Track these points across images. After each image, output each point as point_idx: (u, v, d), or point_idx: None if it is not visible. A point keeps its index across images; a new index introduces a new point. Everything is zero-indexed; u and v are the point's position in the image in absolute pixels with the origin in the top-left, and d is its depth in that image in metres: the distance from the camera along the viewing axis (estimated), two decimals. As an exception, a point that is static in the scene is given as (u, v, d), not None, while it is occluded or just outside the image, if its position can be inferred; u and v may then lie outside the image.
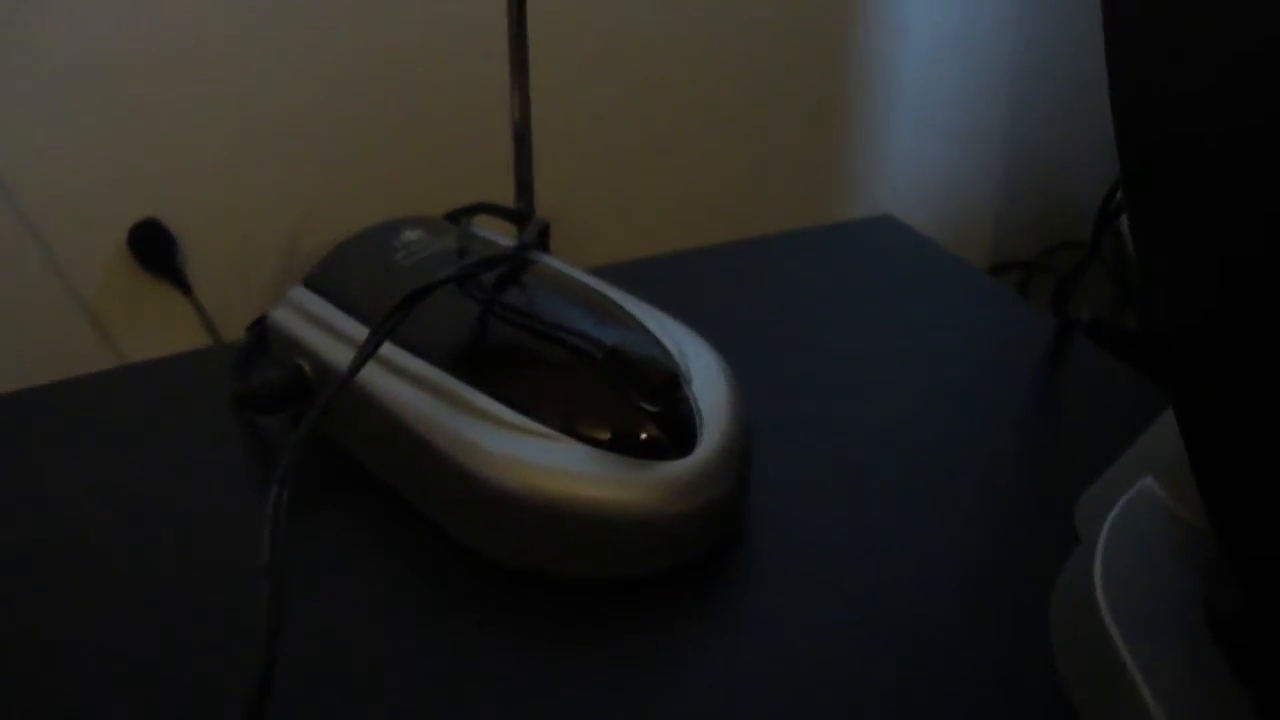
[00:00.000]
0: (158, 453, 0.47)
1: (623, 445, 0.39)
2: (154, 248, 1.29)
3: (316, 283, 0.49)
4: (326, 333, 0.46)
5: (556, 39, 1.20)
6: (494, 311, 0.43)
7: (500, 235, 0.51)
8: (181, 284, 1.31)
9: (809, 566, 0.41)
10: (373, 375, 0.42)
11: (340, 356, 0.44)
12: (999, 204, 1.77)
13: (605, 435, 0.39)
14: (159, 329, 1.34)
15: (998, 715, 0.36)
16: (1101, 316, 0.57)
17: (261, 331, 0.52)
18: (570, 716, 0.35)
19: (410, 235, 0.49)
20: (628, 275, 0.51)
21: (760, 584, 0.40)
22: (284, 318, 0.48)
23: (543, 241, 0.51)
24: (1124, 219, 0.34)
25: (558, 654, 0.37)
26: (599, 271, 0.51)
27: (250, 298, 1.35)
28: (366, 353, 0.39)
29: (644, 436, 0.39)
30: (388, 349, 0.43)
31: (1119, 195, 0.51)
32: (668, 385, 0.39)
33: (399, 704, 0.36)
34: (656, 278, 0.58)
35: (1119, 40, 0.28)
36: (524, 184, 0.53)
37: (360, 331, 0.44)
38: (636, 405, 0.39)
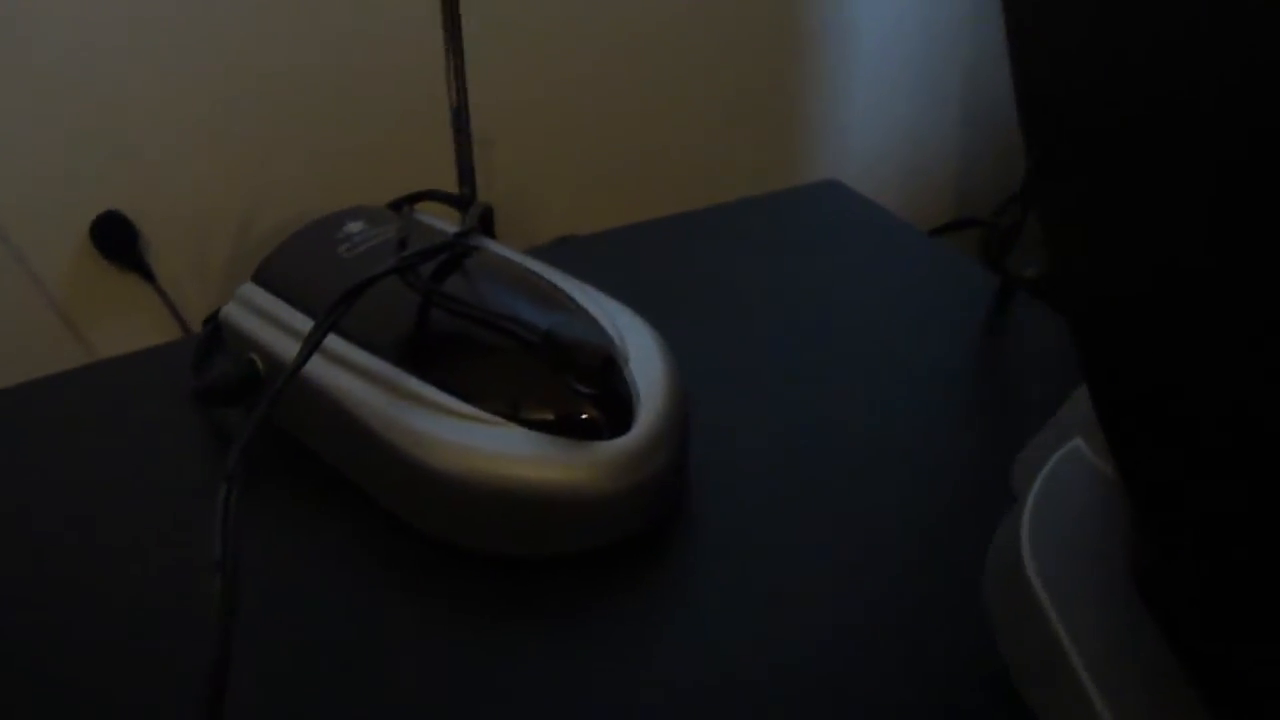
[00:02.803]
0: (123, 448, 0.48)
1: (563, 427, 0.40)
2: (116, 239, 1.30)
3: (265, 278, 0.49)
4: (276, 327, 0.47)
5: (506, 18, 1.21)
6: (434, 301, 0.44)
7: (446, 221, 0.52)
8: (145, 273, 1.31)
9: (749, 537, 0.42)
10: (319, 369, 0.43)
11: (289, 350, 0.45)
12: (959, 160, 1.77)
13: (545, 418, 0.40)
14: (125, 318, 1.34)
15: (938, 674, 0.37)
16: (1044, 271, 0.58)
17: (217, 326, 0.53)
18: (523, 688, 0.37)
19: (353, 227, 0.50)
20: (570, 254, 0.52)
21: (701, 556, 0.42)
22: (235, 313, 0.49)
23: (486, 226, 0.52)
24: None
25: (508, 630, 0.39)
26: (541, 252, 0.52)
27: (213, 283, 1.36)
28: (307, 351, 0.40)
29: (583, 418, 0.40)
30: (333, 342, 0.44)
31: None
32: (603, 367, 0.40)
33: (358, 684, 0.37)
34: (599, 255, 0.59)
35: (1018, 40, 0.29)
36: (465, 169, 0.54)
37: (306, 324, 0.45)
38: (574, 388, 0.40)
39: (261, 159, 1.34)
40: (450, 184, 1.37)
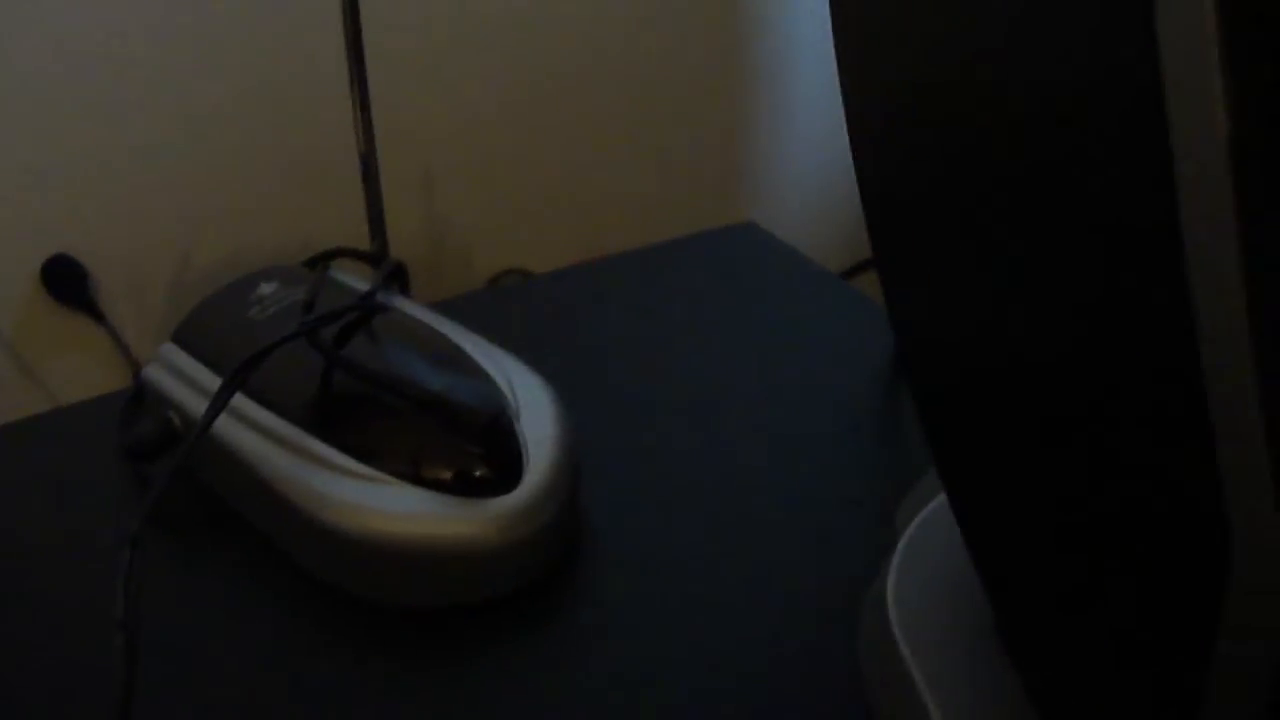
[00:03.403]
0: (52, 501, 0.49)
1: (456, 486, 0.42)
2: (67, 281, 1.31)
3: (183, 338, 0.51)
4: (191, 388, 0.49)
5: (442, 50, 1.23)
6: (335, 364, 0.46)
7: (361, 279, 0.54)
8: (95, 314, 1.33)
9: (637, 585, 0.44)
10: (229, 429, 0.45)
11: (201, 410, 0.47)
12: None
13: (441, 477, 0.43)
14: (76, 358, 1.36)
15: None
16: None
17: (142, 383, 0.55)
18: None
19: (266, 289, 0.52)
20: (478, 306, 0.54)
21: (590, 603, 0.44)
22: (154, 373, 0.51)
23: (401, 283, 0.54)
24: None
25: (408, 678, 0.41)
26: (449, 307, 0.54)
27: (162, 323, 1.37)
28: (211, 415, 0.42)
29: (475, 475, 0.43)
30: (242, 403, 0.46)
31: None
32: (489, 425, 0.43)
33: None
34: (505, 307, 0.61)
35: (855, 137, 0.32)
36: (375, 222, 0.56)
37: (218, 386, 0.47)
38: (464, 447, 0.43)
39: (210, 201, 1.36)
40: (403, 224, 1.39)
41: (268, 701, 0.40)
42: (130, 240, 1.34)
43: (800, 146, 1.73)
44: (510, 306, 0.62)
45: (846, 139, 0.32)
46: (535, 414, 0.46)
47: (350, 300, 0.49)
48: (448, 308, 0.54)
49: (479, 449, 0.43)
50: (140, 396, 0.55)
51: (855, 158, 0.32)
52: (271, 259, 1.32)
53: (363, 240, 1.41)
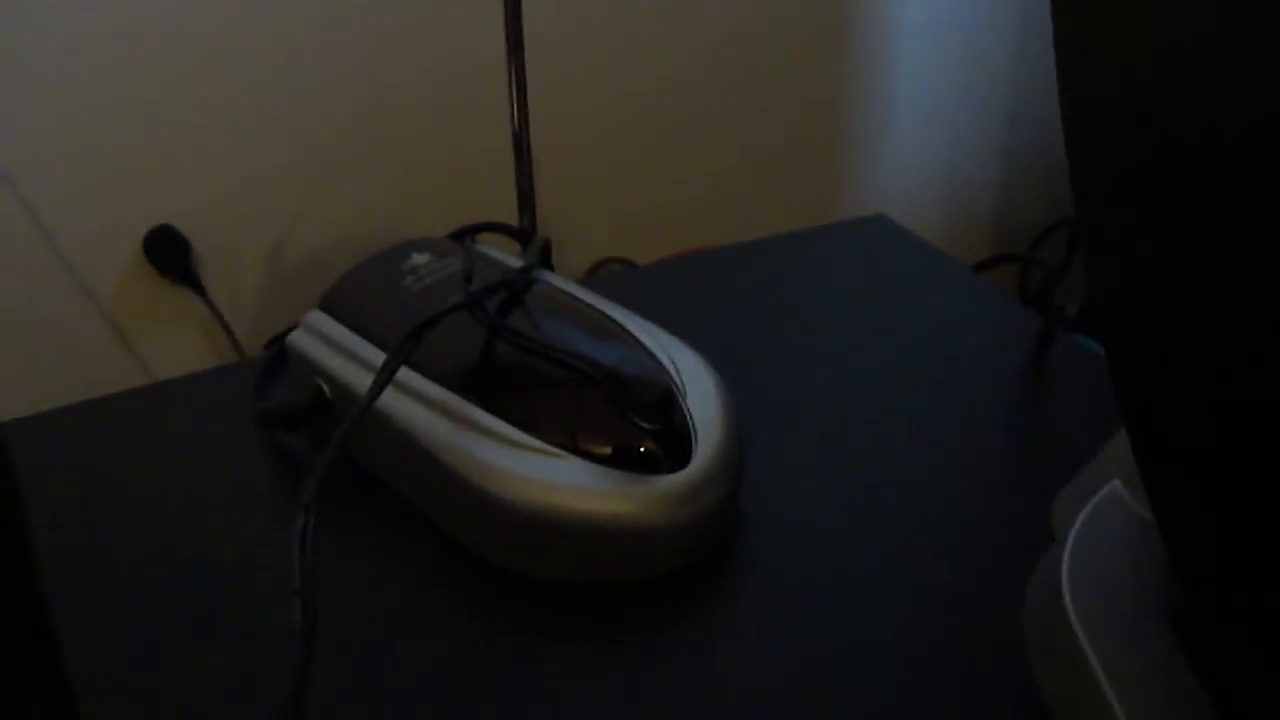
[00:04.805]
0: (187, 470, 0.50)
1: (622, 460, 0.42)
2: (169, 253, 1.32)
3: (332, 306, 0.51)
4: (343, 355, 0.48)
5: (549, 45, 1.23)
6: (499, 335, 0.45)
7: (504, 252, 0.54)
8: (196, 286, 1.34)
9: (799, 569, 0.44)
10: (387, 398, 0.45)
11: (357, 378, 0.47)
12: (998, 192, 1.79)
13: (605, 451, 0.42)
14: (175, 330, 1.37)
15: (977, 702, 0.39)
16: (1085, 306, 0.59)
17: (280, 351, 0.55)
18: (578, 714, 0.38)
19: (418, 259, 0.52)
20: (622, 286, 0.54)
21: (752, 587, 0.43)
22: (302, 340, 0.51)
23: (545, 259, 0.54)
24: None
25: (563, 654, 0.40)
26: (595, 283, 0.54)
27: (261, 297, 1.38)
28: (382, 381, 0.42)
29: (641, 451, 0.42)
30: (401, 372, 0.45)
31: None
32: (662, 403, 0.42)
33: (425, 706, 0.39)
34: (651, 288, 0.60)
35: (1070, 74, 0.31)
36: (525, 196, 0.55)
37: (374, 354, 0.47)
38: (634, 422, 0.42)
39: (313, 175, 1.37)
40: (495, 206, 1.39)
41: (419, 668, 0.40)
42: (233, 215, 1.35)
43: (919, 142, 1.72)
44: (641, 289, 0.62)
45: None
46: (701, 393, 0.45)
47: (510, 273, 0.49)
48: (596, 285, 0.54)
49: (652, 425, 0.42)
50: (275, 364, 0.56)
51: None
52: (370, 238, 1.34)
53: (459, 218, 1.42)
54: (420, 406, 0.45)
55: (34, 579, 0.24)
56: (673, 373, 0.46)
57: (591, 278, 0.55)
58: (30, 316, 1.30)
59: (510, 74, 0.52)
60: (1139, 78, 0.28)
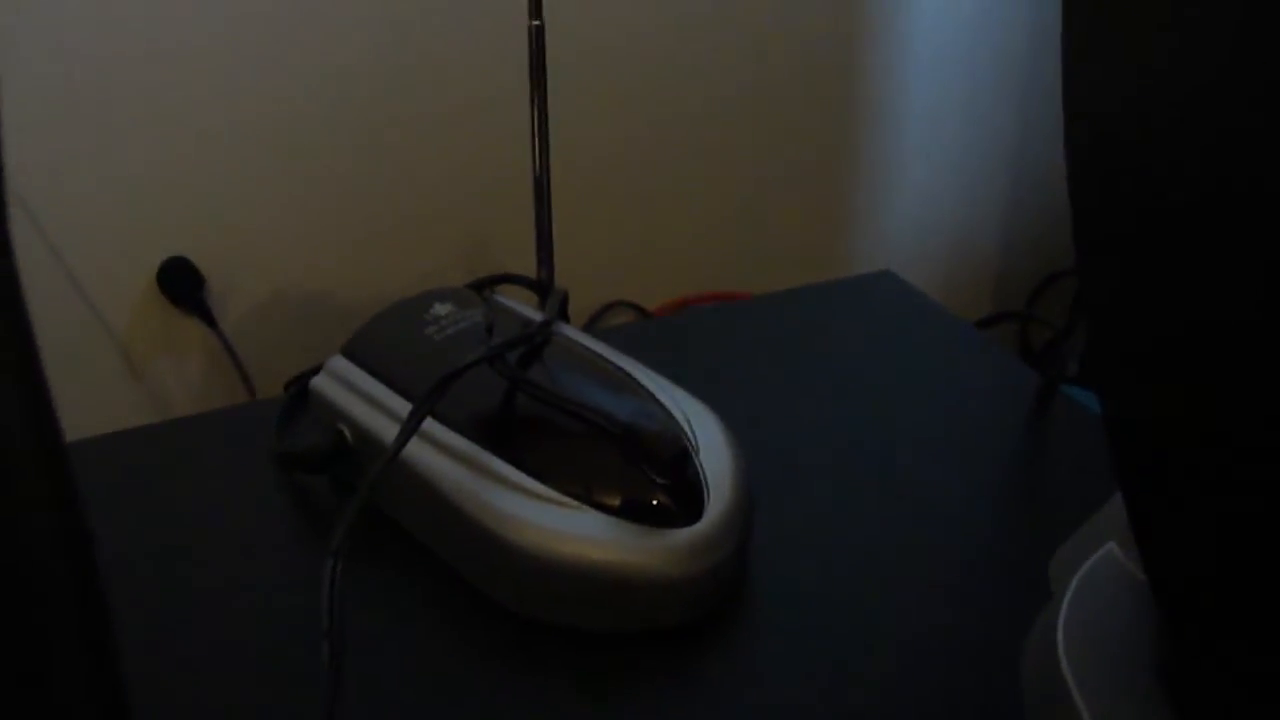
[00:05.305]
0: (204, 509, 0.51)
1: (636, 513, 0.43)
2: (182, 284, 1.34)
3: (354, 352, 0.53)
4: (366, 402, 0.50)
5: (561, 90, 1.25)
6: (519, 388, 0.47)
7: (521, 304, 0.55)
8: (208, 319, 1.35)
9: (804, 622, 0.45)
10: (410, 446, 0.47)
11: (380, 425, 0.48)
12: (999, 248, 1.80)
13: (619, 503, 0.44)
14: (185, 362, 1.38)
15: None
16: (1083, 365, 0.61)
17: (300, 392, 0.56)
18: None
19: (440, 309, 0.53)
20: (635, 338, 0.55)
21: (759, 638, 0.45)
22: (325, 384, 0.52)
23: (562, 312, 0.55)
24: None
25: (578, 703, 0.42)
26: (610, 335, 0.55)
27: (272, 333, 1.40)
28: (408, 431, 0.44)
29: (654, 505, 0.44)
30: (424, 422, 0.47)
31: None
32: (677, 459, 0.44)
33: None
34: (662, 340, 0.62)
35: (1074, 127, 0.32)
36: (544, 248, 0.57)
37: (397, 402, 0.48)
38: (648, 476, 0.44)
39: (327, 215, 1.39)
40: (507, 251, 1.41)
41: (426, 710, 0.41)
42: (247, 249, 1.37)
43: (922, 198, 1.74)
44: (652, 341, 0.64)
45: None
46: (712, 447, 0.47)
47: (530, 326, 0.50)
48: (608, 337, 0.55)
49: (665, 479, 0.44)
50: (296, 406, 0.57)
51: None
52: (383, 279, 1.35)
53: (470, 261, 1.44)
54: (440, 455, 0.46)
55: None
56: (686, 427, 0.47)
57: (604, 325, 0.56)
58: (42, 342, 1.32)
59: (533, 122, 0.54)
60: (1154, 145, 0.29)
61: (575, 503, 0.44)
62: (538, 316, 0.53)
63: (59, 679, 0.25)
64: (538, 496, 0.44)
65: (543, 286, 0.56)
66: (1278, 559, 0.27)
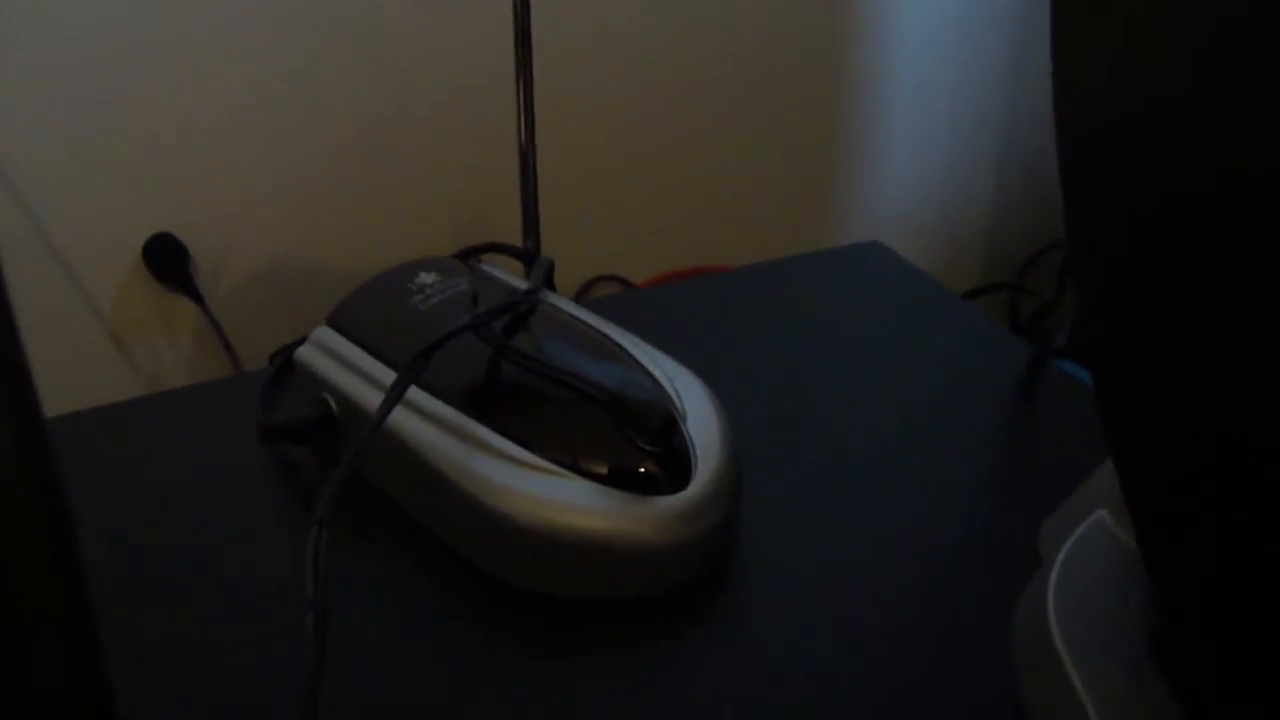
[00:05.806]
0: (189, 480, 0.51)
1: (623, 480, 0.43)
2: (168, 260, 1.33)
3: (340, 323, 0.52)
4: (351, 372, 0.50)
5: (551, 62, 1.24)
6: (505, 356, 0.47)
7: (508, 272, 0.55)
8: (194, 295, 1.35)
9: (792, 588, 0.45)
10: (395, 415, 0.46)
11: (365, 395, 0.48)
12: (989, 224, 1.80)
13: (607, 471, 0.43)
14: (171, 338, 1.38)
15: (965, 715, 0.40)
16: (1072, 335, 0.60)
17: (286, 364, 0.56)
18: (578, 728, 0.40)
19: (425, 278, 0.53)
20: (622, 308, 0.55)
21: (747, 605, 0.44)
22: (311, 355, 0.52)
23: (548, 281, 0.55)
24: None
25: (564, 669, 0.42)
26: (597, 305, 0.55)
27: (258, 308, 1.39)
28: (392, 400, 0.43)
29: (642, 472, 0.43)
30: (409, 390, 0.47)
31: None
32: (665, 427, 0.43)
33: (429, 716, 0.40)
34: (649, 309, 0.62)
35: (1065, 106, 0.32)
36: (530, 217, 0.57)
37: (383, 372, 0.48)
38: (635, 444, 0.43)
39: (312, 188, 1.38)
40: (496, 222, 1.40)
41: (413, 679, 0.41)
42: (232, 225, 1.36)
43: (912, 169, 1.74)
44: (640, 310, 0.63)
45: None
46: (700, 416, 0.46)
47: (515, 295, 0.50)
48: (596, 306, 0.55)
49: (653, 447, 0.43)
50: (282, 378, 0.57)
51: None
52: (369, 254, 1.35)
53: (456, 232, 1.44)
54: (426, 424, 0.46)
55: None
56: (673, 395, 0.47)
57: (591, 299, 0.56)
58: (28, 320, 1.31)
59: (519, 93, 0.54)
60: (1143, 113, 0.29)
61: (562, 470, 0.43)
62: (524, 285, 0.52)
63: (39, 658, 0.25)
64: (525, 464, 0.44)
65: (528, 255, 0.56)
66: (1270, 528, 0.27)
